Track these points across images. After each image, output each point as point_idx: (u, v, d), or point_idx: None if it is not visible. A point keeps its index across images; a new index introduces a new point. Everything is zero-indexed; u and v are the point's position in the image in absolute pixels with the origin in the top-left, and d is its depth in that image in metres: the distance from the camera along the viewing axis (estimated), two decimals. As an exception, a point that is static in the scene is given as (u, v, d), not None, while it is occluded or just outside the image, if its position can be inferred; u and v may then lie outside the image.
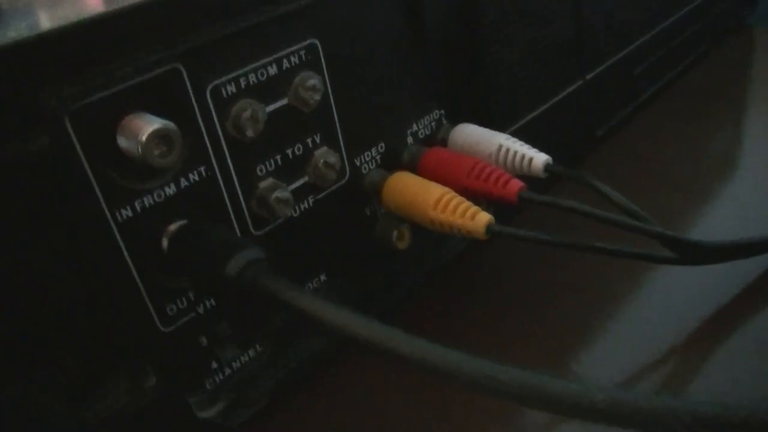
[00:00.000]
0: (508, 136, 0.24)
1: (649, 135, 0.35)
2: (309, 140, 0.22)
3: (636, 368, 0.23)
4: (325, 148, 0.22)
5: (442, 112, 0.26)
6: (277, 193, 0.21)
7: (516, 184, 0.22)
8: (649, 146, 0.35)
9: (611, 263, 0.24)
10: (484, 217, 0.21)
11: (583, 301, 0.25)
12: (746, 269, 0.25)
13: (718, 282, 0.24)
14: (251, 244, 0.18)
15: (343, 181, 0.23)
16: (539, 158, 0.23)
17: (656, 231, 0.21)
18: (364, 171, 0.24)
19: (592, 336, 0.24)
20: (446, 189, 0.22)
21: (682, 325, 0.24)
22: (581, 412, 0.13)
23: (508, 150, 0.24)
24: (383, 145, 0.24)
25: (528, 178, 0.24)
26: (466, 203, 0.22)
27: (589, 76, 0.32)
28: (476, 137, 0.25)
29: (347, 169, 0.23)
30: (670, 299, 0.24)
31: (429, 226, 0.22)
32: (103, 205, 0.18)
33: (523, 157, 0.24)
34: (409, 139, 0.25)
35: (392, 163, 0.24)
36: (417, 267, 0.26)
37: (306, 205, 0.22)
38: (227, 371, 0.22)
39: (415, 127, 0.25)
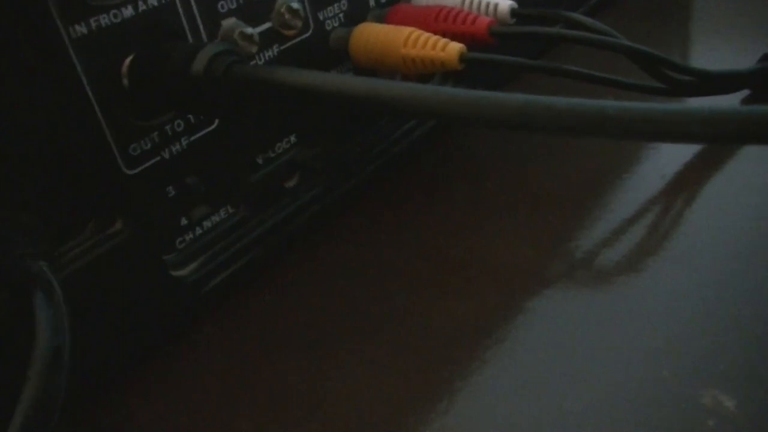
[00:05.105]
0: (471, -10, 0.24)
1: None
2: (270, -17, 0.21)
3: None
4: (287, -6, 0.21)
5: (403, -22, 0.26)
6: (242, 29, 0.20)
7: (485, 20, 0.22)
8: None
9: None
10: (455, 46, 0.21)
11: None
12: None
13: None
14: (212, 41, 0.17)
15: (308, 34, 0.22)
16: (504, 3, 0.23)
17: (641, 50, 0.20)
18: (328, 27, 0.23)
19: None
20: (414, 28, 0.21)
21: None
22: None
23: (472, 1, 0.24)
24: (345, 2, 0.23)
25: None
26: (436, 37, 0.21)
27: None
28: (439, -4, 0.24)
29: (311, 22, 0.22)
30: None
31: (402, 66, 0.22)
32: (57, 19, 0.17)
33: (488, 4, 0.23)
34: (371, 1, 0.24)
35: (356, 24, 0.24)
36: (393, 136, 0.26)
37: (271, 53, 0.21)
38: (198, 231, 0.21)
39: (377, -10, 0.25)
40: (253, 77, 0.15)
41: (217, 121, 0.20)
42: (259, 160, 0.22)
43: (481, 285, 0.21)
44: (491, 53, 0.21)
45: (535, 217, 0.24)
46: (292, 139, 0.23)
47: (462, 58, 0.21)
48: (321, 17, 0.23)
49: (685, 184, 0.24)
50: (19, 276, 0.15)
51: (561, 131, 0.12)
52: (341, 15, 0.23)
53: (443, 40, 0.21)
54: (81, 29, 0.17)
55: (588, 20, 0.21)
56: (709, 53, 0.32)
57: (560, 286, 0.21)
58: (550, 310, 0.20)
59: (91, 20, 0.17)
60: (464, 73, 0.22)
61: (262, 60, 0.21)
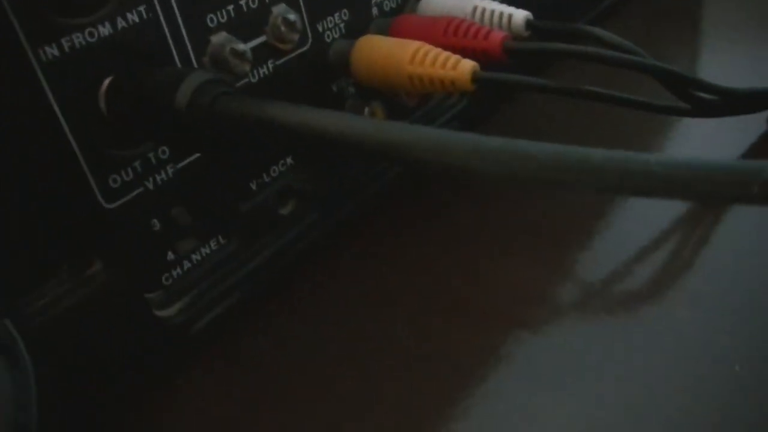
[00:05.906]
0: (482, -1, 0.22)
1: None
2: (264, -7, 0.19)
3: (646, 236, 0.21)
4: (283, 5, 0.20)
5: (408, -16, 0.24)
6: (233, 45, 0.18)
7: (499, 35, 0.20)
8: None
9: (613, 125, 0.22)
10: (467, 64, 0.19)
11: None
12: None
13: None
14: (199, 68, 0.15)
15: (306, 47, 0.21)
16: (519, 14, 0.21)
17: (671, 70, 0.19)
18: (327, 39, 0.21)
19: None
20: (422, 42, 0.20)
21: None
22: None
23: (484, 10, 0.22)
24: (346, 12, 0.22)
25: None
26: (446, 53, 0.19)
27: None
28: (447, 5, 0.22)
29: (309, 34, 0.21)
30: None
31: (408, 85, 0.20)
32: (24, 41, 0.15)
33: (501, 14, 0.21)
34: (374, 11, 0.23)
35: (357, 35, 0.22)
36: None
37: (266, 70, 0.20)
38: (186, 265, 0.19)
39: (379, -3, 0.23)
40: (241, 112, 0.13)
41: (206, 146, 0.19)
42: (253, 186, 0.20)
43: (483, 315, 0.20)
44: (505, 71, 0.19)
45: (542, 243, 0.22)
46: (289, 161, 0.21)
47: (475, 77, 0.19)
48: (320, 29, 0.21)
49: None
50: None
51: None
52: (342, 26, 0.22)
53: (454, 57, 0.19)
54: (52, 51, 0.15)
55: (614, 37, 0.19)
56: (722, 61, 0.31)
57: (570, 314, 0.20)
58: (557, 340, 0.19)
59: (63, 41, 0.15)
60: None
61: (256, 78, 0.19)
